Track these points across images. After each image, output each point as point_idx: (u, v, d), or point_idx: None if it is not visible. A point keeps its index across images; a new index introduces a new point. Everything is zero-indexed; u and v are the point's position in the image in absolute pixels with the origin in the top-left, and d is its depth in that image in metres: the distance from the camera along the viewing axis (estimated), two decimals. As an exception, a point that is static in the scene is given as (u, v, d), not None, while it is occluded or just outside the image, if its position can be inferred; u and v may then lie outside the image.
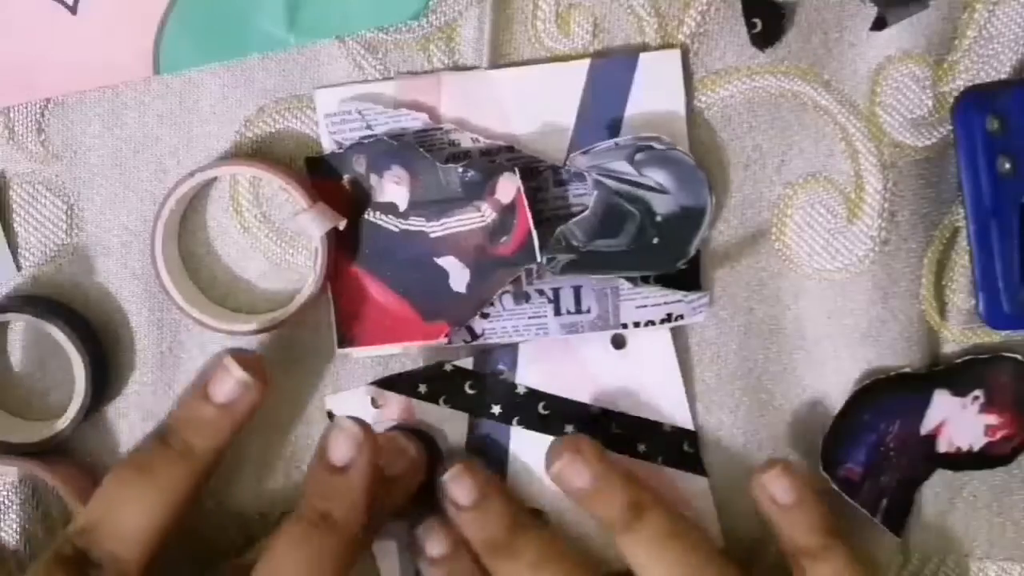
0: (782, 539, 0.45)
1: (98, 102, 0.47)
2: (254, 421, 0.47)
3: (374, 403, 0.48)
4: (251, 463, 0.48)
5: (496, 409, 0.48)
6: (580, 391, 0.48)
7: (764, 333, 0.47)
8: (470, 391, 0.48)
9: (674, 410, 0.48)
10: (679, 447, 0.48)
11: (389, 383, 0.48)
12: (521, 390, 0.48)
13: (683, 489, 0.48)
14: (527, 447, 0.48)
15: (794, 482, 0.44)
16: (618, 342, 0.47)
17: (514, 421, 0.48)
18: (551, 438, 0.47)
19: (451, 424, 0.48)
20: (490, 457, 0.48)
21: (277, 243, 0.48)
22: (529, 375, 0.48)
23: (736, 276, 0.47)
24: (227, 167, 0.47)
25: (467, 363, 0.48)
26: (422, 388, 0.48)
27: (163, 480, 0.42)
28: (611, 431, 0.47)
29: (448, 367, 0.48)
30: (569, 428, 0.47)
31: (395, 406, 0.48)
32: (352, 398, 0.48)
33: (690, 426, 0.48)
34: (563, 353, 0.47)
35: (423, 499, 0.47)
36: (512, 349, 0.47)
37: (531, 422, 0.48)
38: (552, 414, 0.47)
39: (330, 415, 0.48)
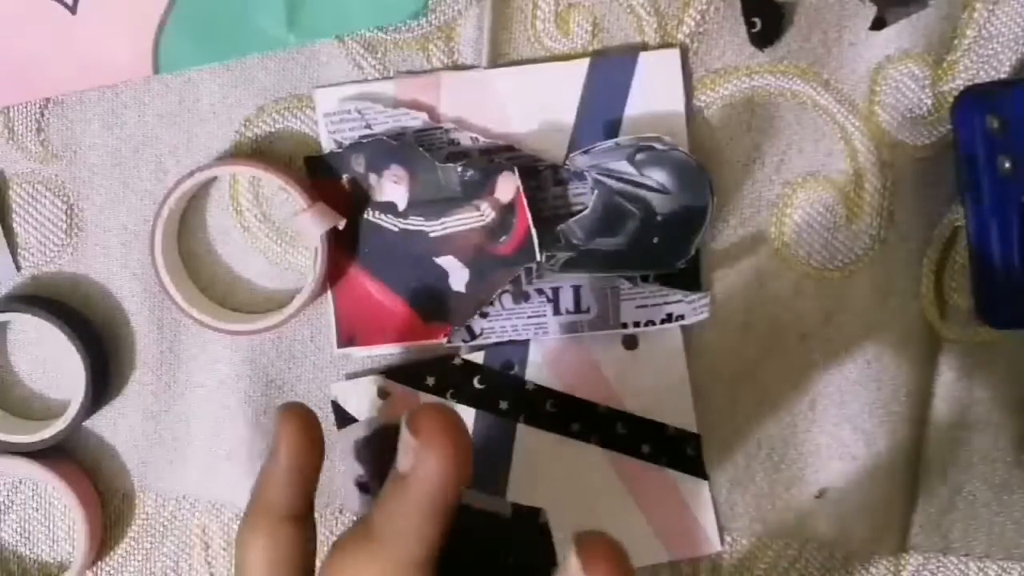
0: None
1: (98, 102, 0.48)
2: (254, 421, 0.47)
3: (381, 393, 0.48)
4: (251, 463, 0.48)
5: (504, 405, 0.48)
6: (589, 390, 0.48)
7: (763, 333, 0.47)
8: (479, 386, 0.48)
9: (679, 412, 0.48)
10: (682, 450, 0.48)
11: (397, 374, 0.48)
12: (530, 387, 0.48)
13: (683, 491, 0.48)
14: (532, 445, 0.48)
15: None
16: (630, 343, 0.47)
17: (521, 418, 0.48)
18: (556, 436, 0.47)
19: None
20: (494, 454, 0.48)
21: (277, 243, 0.48)
22: (539, 372, 0.48)
23: (735, 276, 0.47)
24: (227, 167, 0.47)
25: (477, 357, 0.48)
26: (430, 380, 0.48)
27: None
28: (616, 431, 0.47)
29: (458, 361, 0.48)
30: (575, 427, 0.47)
31: (401, 398, 0.48)
32: (358, 387, 0.48)
33: (694, 429, 0.48)
34: (574, 351, 0.47)
35: None
36: (523, 345, 0.47)
37: (538, 419, 0.47)
38: (559, 412, 0.47)
39: (335, 405, 0.48)
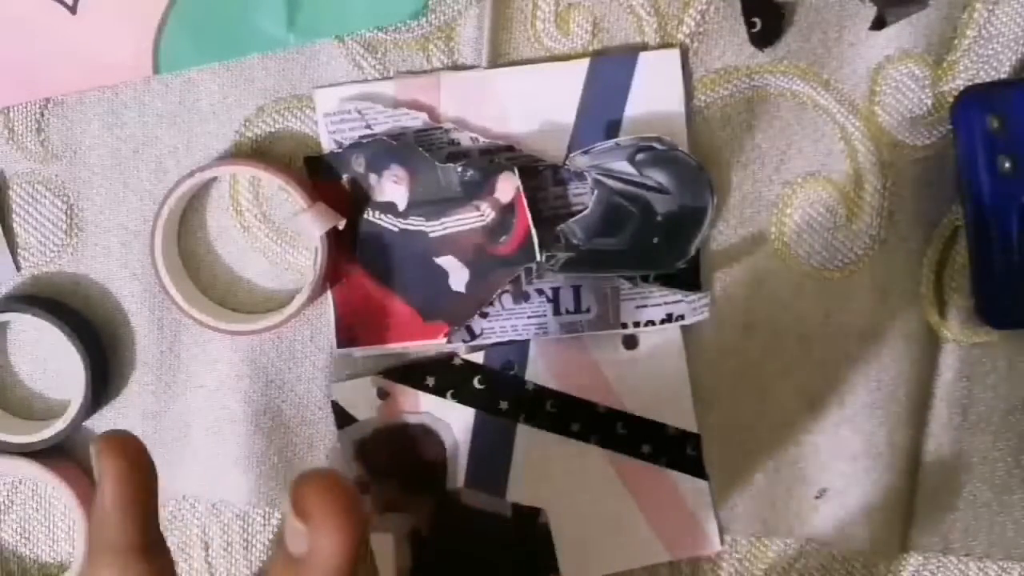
0: None
1: (98, 102, 0.48)
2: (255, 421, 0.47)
3: (380, 394, 0.48)
4: (251, 463, 0.48)
5: (504, 405, 0.48)
6: (589, 390, 0.48)
7: (763, 333, 0.47)
8: (479, 386, 0.48)
9: (679, 413, 0.48)
10: (682, 450, 0.48)
11: (397, 374, 0.48)
12: (530, 387, 0.48)
13: (683, 491, 0.48)
14: (532, 445, 0.48)
15: None
16: (630, 343, 0.47)
17: (521, 418, 0.48)
18: (556, 436, 0.47)
19: (457, 419, 0.48)
20: (494, 454, 0.48)
21: (277, 243, 0.48)
22: (539, 372, 0.47)
23: (735, 276, 0.47)
24: (227, 167, 0.47)
25: (477, 357, 0.48)
26: (430, 381, 0.48)
27: None
28: (616, 431, 0.47)
29: (457, 361, 0.48)
30: (575, 427, 0.47)
31: (401, 398, 0.48)
32: (358, 387, 0.48)
33: (694, 429, 0.48)
34: (574, 351, 0.47)
35: (420, 490, 0.47)
36: (523, 346, 0.47)
37: (538, 419, 0.48)
38: (559, 412, 0.47)
39: (335, 405, 0.48)
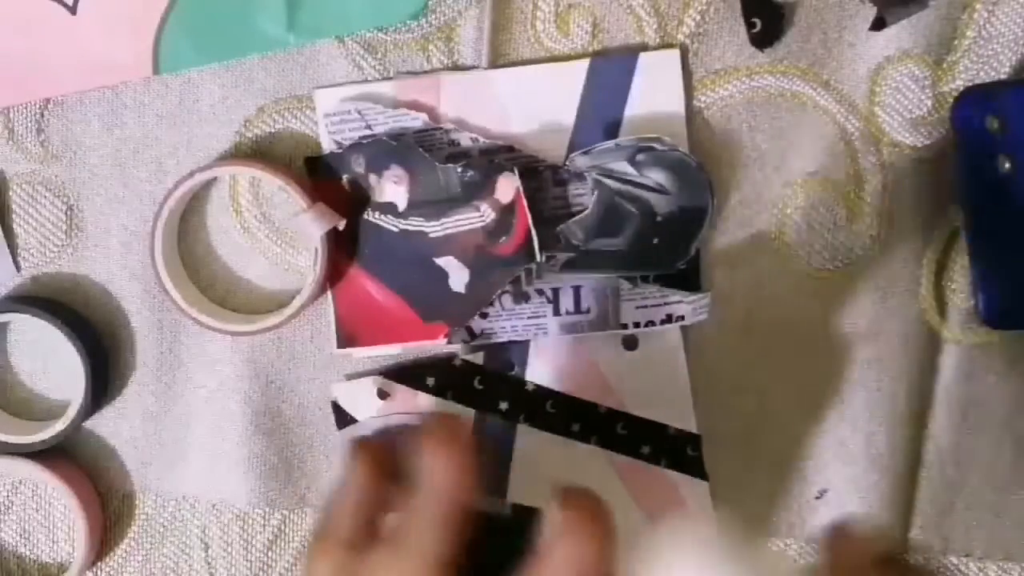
0: None
1: (98, 102, 0.48)
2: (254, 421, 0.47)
3: (380, 394, 0.48)
4: (251, 463, 0.48)
5: (504, 405, 0.48)
6: (589, 391, 0.48)
7: (763, 333, 0.47)
8: (479, 386, 0.48)
9: (679, 413, 0.48)
10: (682, 451, 0.48)
11: (397, 375, 0.48)
12: (530, 387, 0.48)
13: (684, 492, 0.48)
14: (532, 445, 0.48)
15: None
16: (629, 343, 0.47)
17: (521, 418, 0.48)
18: (556, 436, 0.47)
19: None
20: (494, 455, 0.48)
21: (277, 243, 0.48)
22: (539, 373, 0.47)
23: (735, 276, 0.47)
24: (227, 167, 0.47)
25: (477, 358, 0.48)
26: (430, 381, 0.48)
27: None
28: (617, 432, 0.47)
29: (457, 361, 0.48)
30: (575, 427, 0.47)
31: (401, 398, 0.48)
32: (358, 388, 0.48)
33: (694, 429, 0.48)
34: (574, 352, 0.47)
35: None
36: (523, 346, 0.47)
37: (538, 420, 0.48)
38: (559, 413, 0.47)
39: (335, 405, 0.48)
